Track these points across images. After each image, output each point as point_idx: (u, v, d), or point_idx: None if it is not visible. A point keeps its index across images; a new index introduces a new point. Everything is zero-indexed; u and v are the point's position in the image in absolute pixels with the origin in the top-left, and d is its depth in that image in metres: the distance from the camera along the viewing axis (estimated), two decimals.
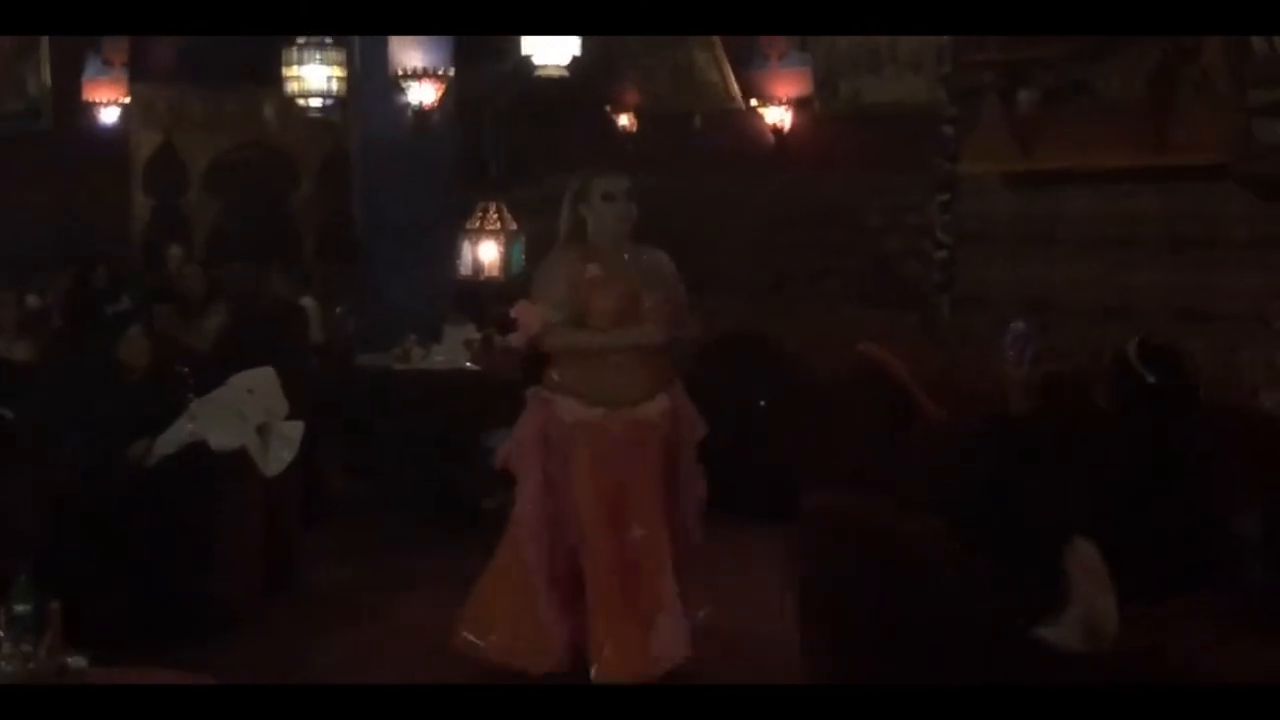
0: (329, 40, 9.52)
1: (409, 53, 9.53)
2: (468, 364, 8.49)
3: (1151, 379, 5.12)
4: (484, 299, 9.20)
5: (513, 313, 5.34)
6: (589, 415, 5.17)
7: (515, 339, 5.47)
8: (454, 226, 9.40)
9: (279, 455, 6.74)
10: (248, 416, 6.60)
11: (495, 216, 9.31)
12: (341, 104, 10.16)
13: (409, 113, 9.71)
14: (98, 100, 13.06)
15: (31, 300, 10.12)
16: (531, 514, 5.32)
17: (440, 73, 9.69)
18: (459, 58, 9.78)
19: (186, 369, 6.99)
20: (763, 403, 8.26)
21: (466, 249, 9.32)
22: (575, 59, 8.62)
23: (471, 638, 5.35)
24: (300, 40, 9.47)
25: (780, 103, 10.97)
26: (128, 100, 13.00)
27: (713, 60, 11.19)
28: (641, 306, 5.15)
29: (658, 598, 5.16)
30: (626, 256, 5.28)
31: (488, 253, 9.23)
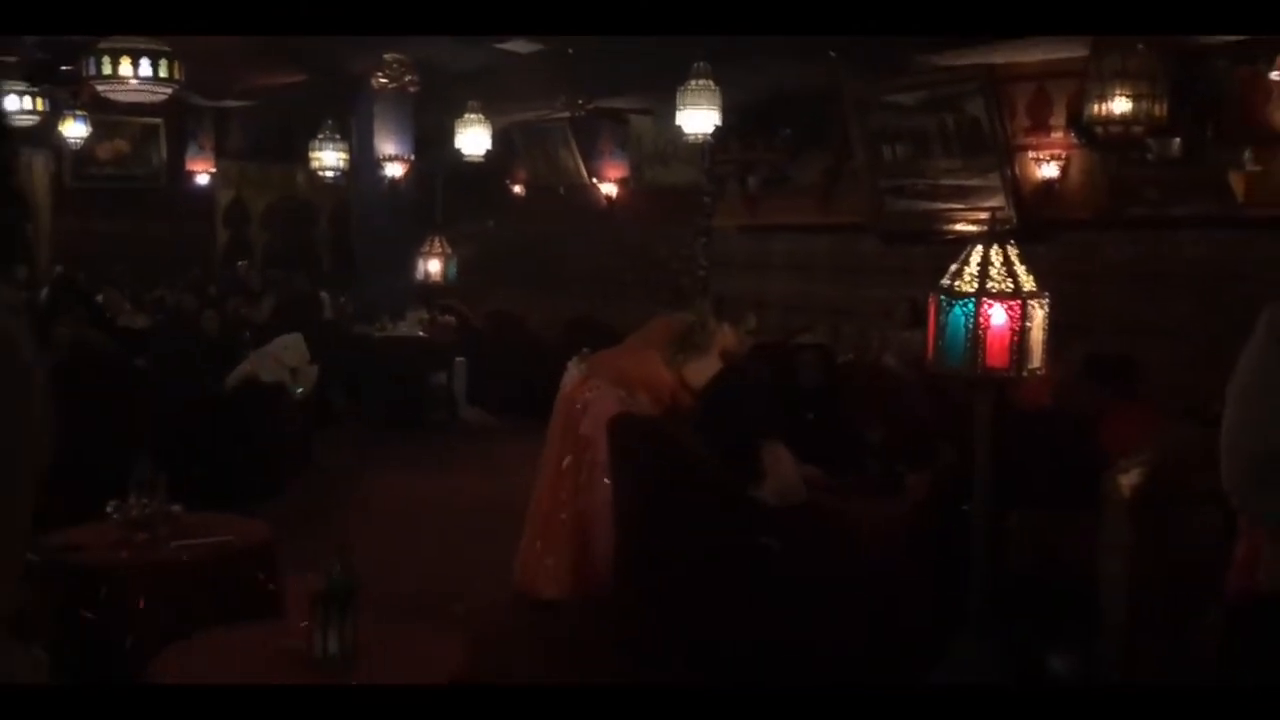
0: (338, 137, 12.25)
1: (387, 144, 11.57)
2: (420, 333, 9.84)
3: (813, 347, 6.28)
4: (430, 295, 11.45)
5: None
6: None
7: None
8: (413, 250, 11.60)
9: (303, 387, 8.23)
10: (284, 362, 8.06)
11: (438, 244, 11.65)
12: (345, 174, 12.56)
13: (386, 181, 11.76)
14: (195, 169, 15.57)
15: (157, 294, 12.35)
16: None
17: (406, 157, 11.72)
18: (418, 148, 11.84)
19: (248, 334, 8.23)
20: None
21: (420, 263, 11.55)
22: (487, 150, 10.13)
23: None
24: (320, 136, 12.20)
25: (610, 181, 13.44)
26: (214, 170, 15.61)
27: (570, 153, 13.54)
28: None
29: None
30: None
31: (434, 267, 11.43)
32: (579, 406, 5.63)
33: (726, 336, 5.92)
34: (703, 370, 5.69)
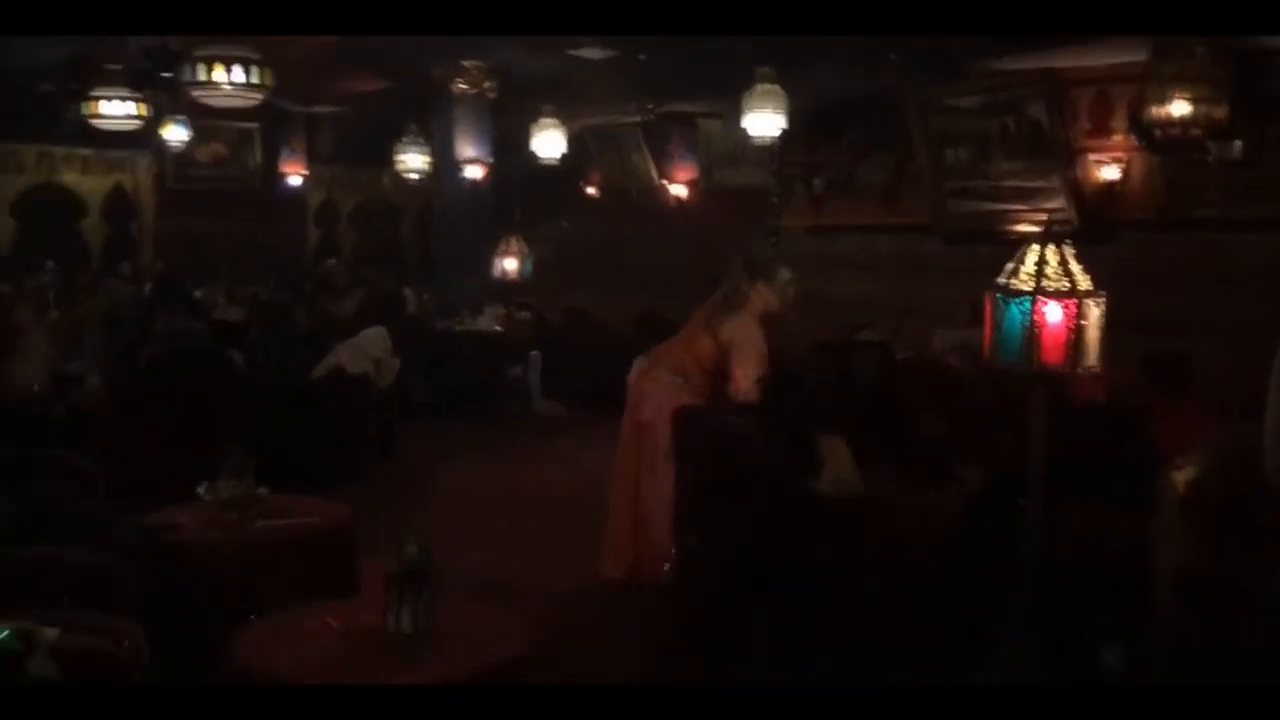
0: (421, 141, 12.17)
1: (467, 148, 11.55)
2: (497, 328, 9.92)
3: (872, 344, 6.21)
4: (507, 292, 11.36)
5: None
6: None
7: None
8: (491, 248, 11.48)
9: (386, 377, 8.39)
10: (369, 354, 8.19)
11: (515, 244, 11.44)
12: (428, 176, 12.55)
13: (467, 183, 11.78)
14: (288, 172, 15.68)
15: (249, 289, 12.58)
16: None
17: (485, 160, 11.69)
18: (497, 152, 11.84)
19: (321, 325, 8.37)
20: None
21: (498, 262, 11.40)
22: (562, 153, 10.16)
23: None
24: (405, 140, 12.19)
25: (680, 183, 13.33)
26: (305, 172, 15.79)
27: (642, 156, 13.46)
28: None
29: None
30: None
31: (511, 265, 11.34)
32: (641, 396, 5.72)
33: (760, 294, 5.79)
34: (739, 329, 5.65)
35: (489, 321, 10.66)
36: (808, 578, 4.51)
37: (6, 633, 2.88)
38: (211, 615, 4.02)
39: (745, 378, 5.55)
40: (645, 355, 5.98)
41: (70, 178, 13.82)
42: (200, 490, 4.52)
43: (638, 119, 12.70)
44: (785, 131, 8.76)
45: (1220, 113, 6.64)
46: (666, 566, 5.41)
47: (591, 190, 14.48)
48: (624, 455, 5.77)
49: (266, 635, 3.41)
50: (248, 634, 3.40)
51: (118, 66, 10.76)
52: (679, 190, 13.26)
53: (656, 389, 5.63)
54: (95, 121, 11.08)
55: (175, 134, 12.49)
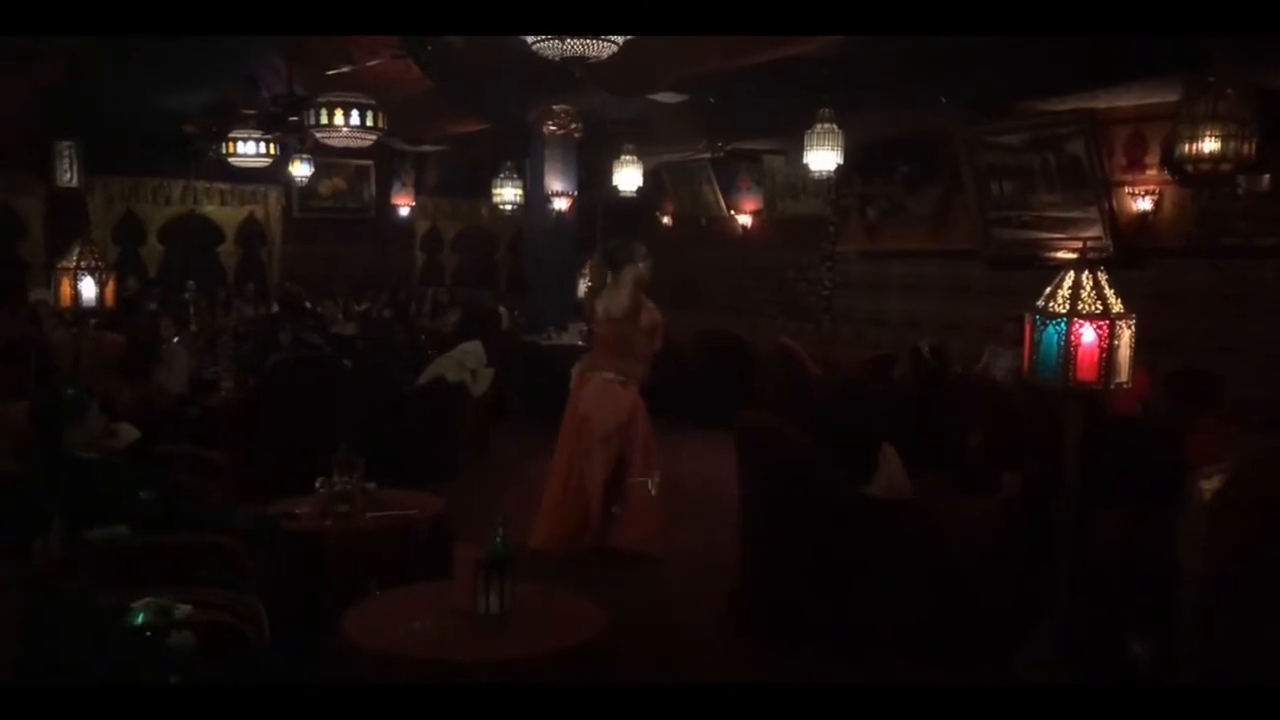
0: (515, 176, 12.41)
1: (555, 182, 11.53)
2: (579, 342, 9.90)
3: (931, 362, 6.14)
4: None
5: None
6: None
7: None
8: (575, 271, 11.56)
9: (481, 386, 8.41)
10: (466, 365, 8.24)
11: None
12: (520, 207, 12.72)
13: (554, 213, 11.72)
14: (398, 203, 15.78)
15: (362, 306, 12.91)
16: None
17: (571, 193, 11.64)
18: (581, 185, 11.79)
19: (424, 339, 8.39)
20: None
21: (581, 283, 11.19)
22: (639, 186, 10.17)
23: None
24: (500, 175, 12.43)
25: (746, 212, 13.34)
26: (413, 203, 15.87)
27: (711, 189, 13.53)
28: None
29: None
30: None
31: None
32: (580, 395, 6.03)
33: (624, 273, 5.91)
34: (618, 304, 5.89)
35: (572, 336, 10.66)
36: (860, 572, 4.46)
37: (147, 608, 2.96)
38: (323, 594, 4.06)
39: (649, 324, 5.88)
40: (581, 362, 6.23)
41: (210, 208, 14.18)
42: (316, 484, 4.59)
43: (708, 155, 12.68)
44: (841, 166, 8.71)
45: (1249, 149, 6.46)
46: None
47: (666, 219, 14.54)
48: (564, 441, 6.04)
49: (370, 613, 3.44)
50: (354, 612, 3.43)
51: (252, 111, 11.05)
52: (744, 219, 13.29)
53: (593, 388, 5.94)
54: (232, 159, 11.42)
55: (301, 170, 12.90)
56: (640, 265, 5.94)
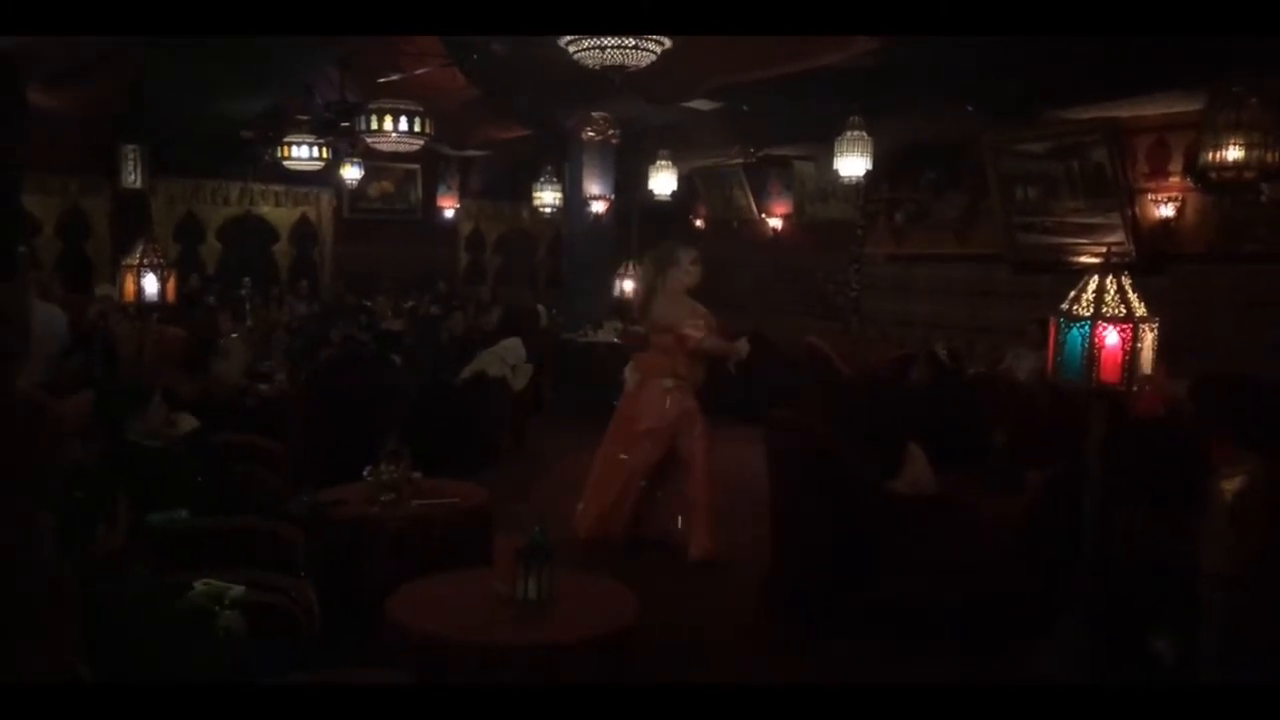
0: (555, 180, 12.36)
1: (593, 186, 11.58)
2: (615, 340, 9.89)
3: (947, 364, 6.06)
4: (623, 309, 11.12)
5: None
6: None
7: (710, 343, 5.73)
8: (612, 271, 11.42)
9: (520, 381, 8.40)
10: (506, 360, 8.22)
11: (632, 268, 10.97)
12: (559, 210, 12.71)
13: (592, 216, 11.78)
14: (443, 205, 15.82)
15: (410, 304, 12.58)
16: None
17: (608, 196, 11.71)
18: (618, 189, 11.84)
19: (477, 335, 8.48)
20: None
21: (617, 283, 11.31)
22: (674, 191, 10.76)
23: None
24: (540, 179, 12.49)
25: (777, 216, 13.21)
26: (458, 206, 15.93)
27: (744, 193, 13.38)
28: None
29: None
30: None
31: (628, 286, 11.04)
32: (633, 399, 5.85)
33: (672, 278, 5.75)
34: (665, 307, 5.70)
35: (608, 334, 10.66)
36: (887, 566, 4.41)
37: (200, 589, 2.99)
38: (370, 578, 4.07)
39: (694, 334, 5.62)
40: (633, 368, 6.02)
41: (265, 209, 14.30)
42: (364, 472, 4.62)
43: (740, 161, 12.63)
44: (870, 172, 8.63)
45: (1272, 156, 6.33)
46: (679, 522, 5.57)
47: (699, 222, 14.48)
48: (612, 435, 5.93)
49: (414, 597, 3.44)
50: (399, 595, 3.43)
51: (305, 117, 11.14)
52: (775, 223, 13.19)
53: (648, 394, 5.74)
54: (286, 163, 11.55)
55: (351, 173, 12.96)
56: (690, 269, 5.77)
